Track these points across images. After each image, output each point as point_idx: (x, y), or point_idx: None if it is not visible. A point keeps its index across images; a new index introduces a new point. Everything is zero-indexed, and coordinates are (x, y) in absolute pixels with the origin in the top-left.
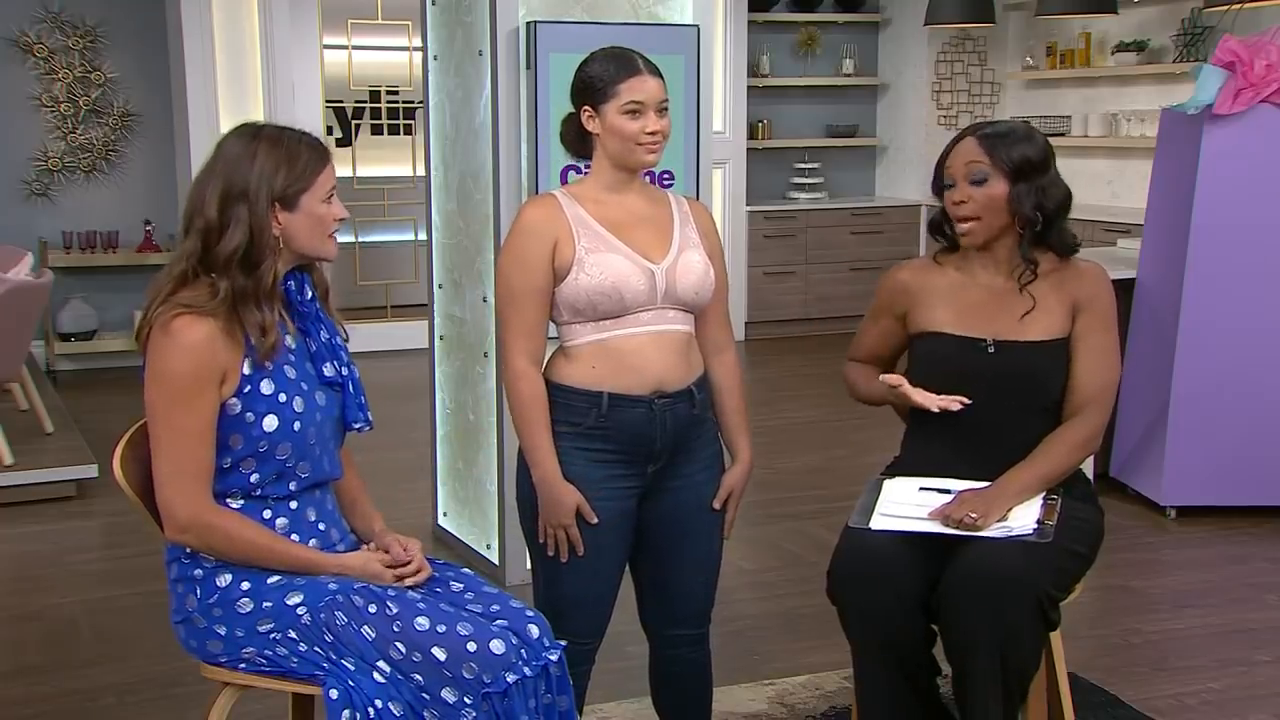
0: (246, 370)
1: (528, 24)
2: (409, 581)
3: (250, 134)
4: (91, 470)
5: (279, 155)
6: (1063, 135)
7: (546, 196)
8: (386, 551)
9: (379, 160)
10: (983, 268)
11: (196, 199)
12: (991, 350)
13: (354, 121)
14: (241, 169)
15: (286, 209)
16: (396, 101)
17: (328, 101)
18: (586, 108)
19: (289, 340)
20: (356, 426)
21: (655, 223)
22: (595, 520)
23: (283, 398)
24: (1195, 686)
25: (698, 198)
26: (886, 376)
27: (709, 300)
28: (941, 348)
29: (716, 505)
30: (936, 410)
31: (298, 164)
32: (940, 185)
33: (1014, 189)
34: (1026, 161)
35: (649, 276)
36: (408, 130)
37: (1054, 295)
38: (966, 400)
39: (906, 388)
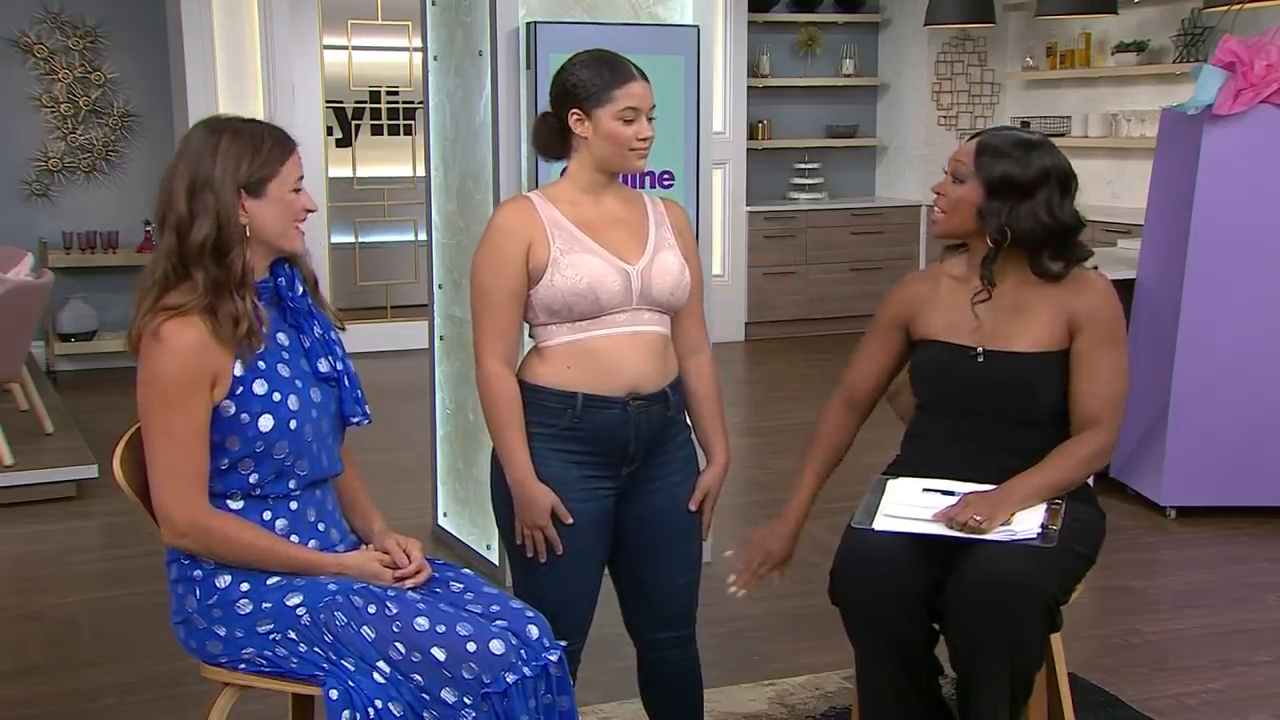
0: (238, 371)
1: (528, 24)
2: (409, 583)
3: (214, 126)
4: (91, 470)
5: (243, 144)
6: (1063, 135)
7: (521, 199)
8: (386, 553)
9: (379, 160)
10: (974, 273)
11: (166, 194)
12: (980, 359)
13: (354, 122)
14: (205, 159)
15: (254, 196)
16: (396, 102)
17: (328, 102)
18: (575, 110)
19: (281, 337)
20: (355, 420)
21: (630, 224)
22: (570, 521)
23: (277, 397)
24: (1195, 687)
25: (698, 198)
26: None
27: (684, 301)
28: (935, 355)
29: (692, 507)
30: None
31: (262, 151)
32: None
33: (986, 202)
34: (1007, 179)
35: (624, 277)
36: (408, 130)
37: (1049, 305)
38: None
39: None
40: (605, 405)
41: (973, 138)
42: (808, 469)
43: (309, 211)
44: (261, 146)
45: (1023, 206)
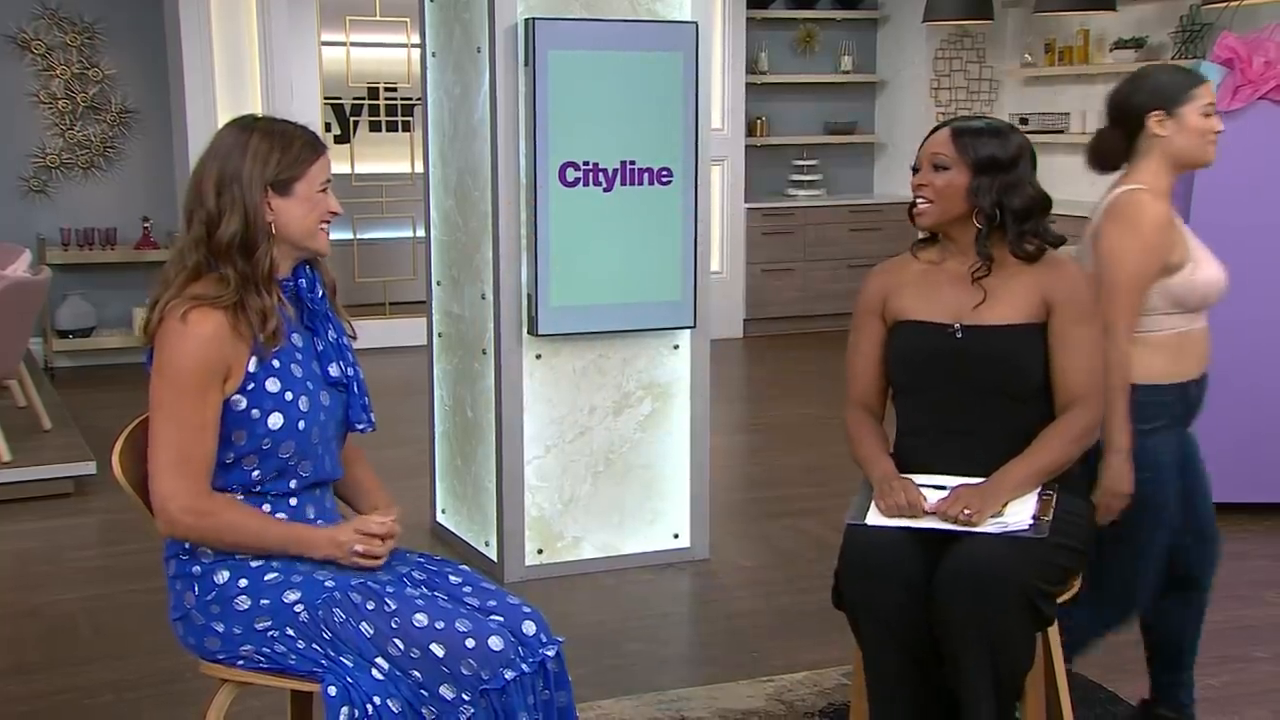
0: (252, 368)
1: (526, 20)
2: (364, 564)
3: (245, 124)
4: (90, 467)
5: (272, 141)
6: (1061, 132)
7: (1149, 193)
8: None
9: (377, 157)
10: (950, 256)
11: (195, 189)
12: (959, 335)
13: (352, 118)
14: (236, 155)
15: (280, 195)
16: (395, 98)
17: (326, 98)
18: (1158, 112)
19: (296, 338)
20: (360, 427)
21: None
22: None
23: (289, 396)
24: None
25: (696, 195)
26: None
27: None
28: (911, 335)
29: None
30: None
31: (291, 150)
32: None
33: (974, 181)
34: (991, 159)
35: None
36: (406, 127)
37: (1022, 283)
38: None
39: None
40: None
41: (935, 131)
42: (878, 455)
43: (334, 214)
44: (291, 146)
45: (1009, 182)
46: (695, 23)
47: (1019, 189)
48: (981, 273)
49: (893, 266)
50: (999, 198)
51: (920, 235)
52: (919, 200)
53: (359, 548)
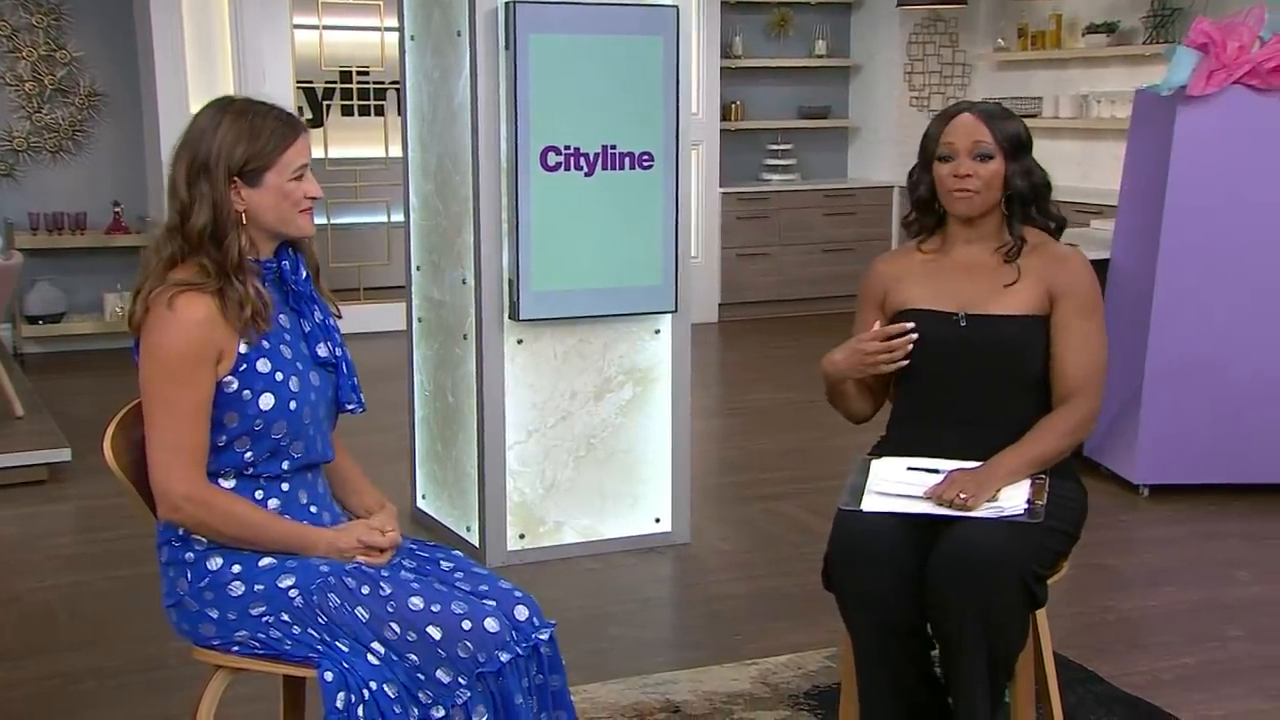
0: (242, 349)
1: (506, 4)
2: (362, 559)
3: (220, 106)
4: (64, 454)
5: (241, 128)
6: (1034, 117)
7: None
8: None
9: (350, 141)
10: (964, 244)
11: (173, 177)
12: (963, 324)
13: (324, 102)
14: (205, 142)
15: (249, 185)
16: (367, 82)
17: (298, 82)
18: None
19: (283, 319)
20: (350, 407)
21: None
22: None
23: (279, 376)
24: (1169, 662)
25: (676, 179)
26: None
27: None
28: (916, 322)
29: None
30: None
31: (260, 139)
32: (930, 159)
33: (1010, 165)
34: (1019, 139)
35: None
36: (379, 111)
37: (1030, 276)
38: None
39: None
40: None
41: (952, 116)
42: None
43: (314, 199)
44: (259, 135)
45: (1031, 160)
46: (676, 6)
47: (1037, 168)
48: (1014, 254)
49: (895, 257)
50: (1029, 178)
51: (925, 225)
52: (963, 190)
53: (361, 559)
